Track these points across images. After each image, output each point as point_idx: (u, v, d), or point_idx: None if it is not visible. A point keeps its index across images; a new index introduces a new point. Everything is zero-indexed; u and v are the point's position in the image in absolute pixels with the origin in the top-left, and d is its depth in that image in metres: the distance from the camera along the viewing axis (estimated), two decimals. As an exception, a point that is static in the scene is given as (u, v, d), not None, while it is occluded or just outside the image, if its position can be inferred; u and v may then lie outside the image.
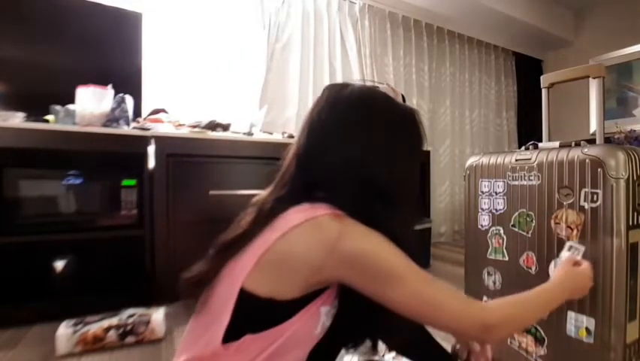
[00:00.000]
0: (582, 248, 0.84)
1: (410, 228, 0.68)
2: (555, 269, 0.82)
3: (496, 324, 0.58)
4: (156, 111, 2.00)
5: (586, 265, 0.80)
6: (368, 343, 0.72)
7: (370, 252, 0.53)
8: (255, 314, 0.53)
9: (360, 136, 0.59)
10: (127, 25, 1.95)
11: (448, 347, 0.86)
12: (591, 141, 0.92)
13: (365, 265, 0.53)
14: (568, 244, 0.88)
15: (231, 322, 0.52)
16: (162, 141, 1.68)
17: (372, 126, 0.60)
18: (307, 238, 0.52)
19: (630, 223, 0.80)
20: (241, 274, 0.53)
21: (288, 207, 0.56)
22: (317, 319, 0.57)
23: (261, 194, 0.66)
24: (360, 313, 0.61)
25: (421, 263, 0.57)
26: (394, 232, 0.56)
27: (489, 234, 1.12)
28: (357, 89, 0.63)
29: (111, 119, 1.63)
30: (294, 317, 0.54)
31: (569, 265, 0.80)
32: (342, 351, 0.71)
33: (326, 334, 0.60)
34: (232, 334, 0.52)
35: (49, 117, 1.59)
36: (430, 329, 0.88)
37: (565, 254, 0.86)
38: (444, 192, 3.46)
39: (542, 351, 0.96)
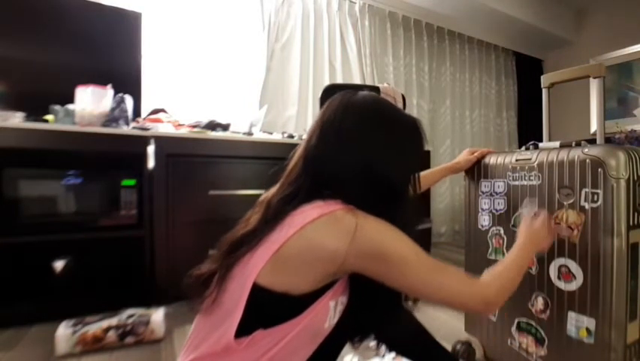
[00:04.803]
0: (535, 200, 0.96)
1: (412, 221, 0.72)
2: (519, 226, 0.86)
3: (494, 298, 0.65)
4: (156, 111, 2.00)
5: (542, 216, 0.87)
6: (371, 343, 0.72)
7: (386, 242, 0.57)
8: (267, 309, 0.55)
9: (373, 139, 0.64)
10: (127, 25, 1.95)
11: (449, 347, 0.86)
12: (592, 141, 0.92)
13: (381, 254, 0.57)
14: (525, 200, 0.98)
15: (243, 317, 0.54)
16: (162, 141, 1.68)
17: (383, 131, 0.65)
18: (328, 231, 0.55)
19: (631, 223, 0.80)
20: (254, 270, 0.55)
21: (298, 204, 0.59)
22: (326, 313, 0.59)
23: (267, 192, 0.68)
24: (368, 307, 0.65)
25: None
26: (400, 222, 0.61)
27: (489, 234, 1.12)
28: (368, 97, 0.68)
29: (111, 119, 1.63)
30: (304, 312, 0.56)
31: (529, 220, 0.86)
32: (343, 351, 0.72)
33: (332, 330, 0.62)
34: (243, 329, 0.54)
35: (49, 117, 1.58)
36: (430, 328, 0.88)
37: (524, 211, 0.95)
38: (444, 192, 3.46)
39: (543, 352, 0.96)
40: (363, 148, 0.63)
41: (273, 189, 0.67)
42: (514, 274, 0.71)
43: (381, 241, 0.57)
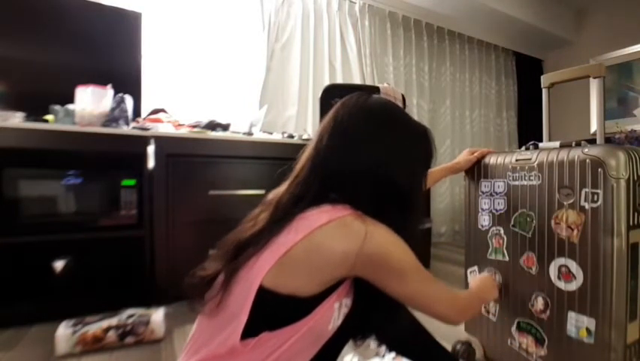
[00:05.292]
0: (476, 268, 1.16)
1: (418, 229, 0.74)
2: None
3: (467, 310, 0.81)
4: (156, 111, 2.00)
5: (486, 275, 1.06)
6: (371, 343, 0.73)
7: (391, 251, 0.59)
8: (273, 312, 0.55)
9: (383, 144, 0.64)
10: (127, 25, 1.95)
11: (449, 347, 0.86)
12: (592, 141, 0.92)
13: (385, 263, 0.58)
14: (468, 270, 1.19)
15: (249, 319, 0.54)
16: (162, 141, 1.68)
17: (393, 136, 0.65)
18: (337, 236, 0.56)
19: (631, 223, 0.80)
20: (260, 272, 0.55)
21: (306, 207, 0.59)
22: (330, 315, 0.59)
23: (274, 193, 0.68)
24: (372, 308, 0.66)
25: (422, 261, 0.63)
26: (406, 232, 0.61)
27: (489, 234, 1.12)
28: (382, 100, 0.70)
29: (111, 119, 1.63)
30: (310, 314, 0.56)
31: (477, 279, 1.02)
32: (343, 351, 0.72)
33: (335, 332, 0.62)
34: (249, 331, 0.54)
35: (49, 117, 1.58)
36: (430, 328, 0.88)
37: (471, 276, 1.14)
38: (444, 192, 3.46)
39: (543, 352, 0.96)
40: (375, 150, 0.63)
41: (282, 188, 0.67)
42: (477, 302, 0.91)
43: (388, 251, 0.58)
